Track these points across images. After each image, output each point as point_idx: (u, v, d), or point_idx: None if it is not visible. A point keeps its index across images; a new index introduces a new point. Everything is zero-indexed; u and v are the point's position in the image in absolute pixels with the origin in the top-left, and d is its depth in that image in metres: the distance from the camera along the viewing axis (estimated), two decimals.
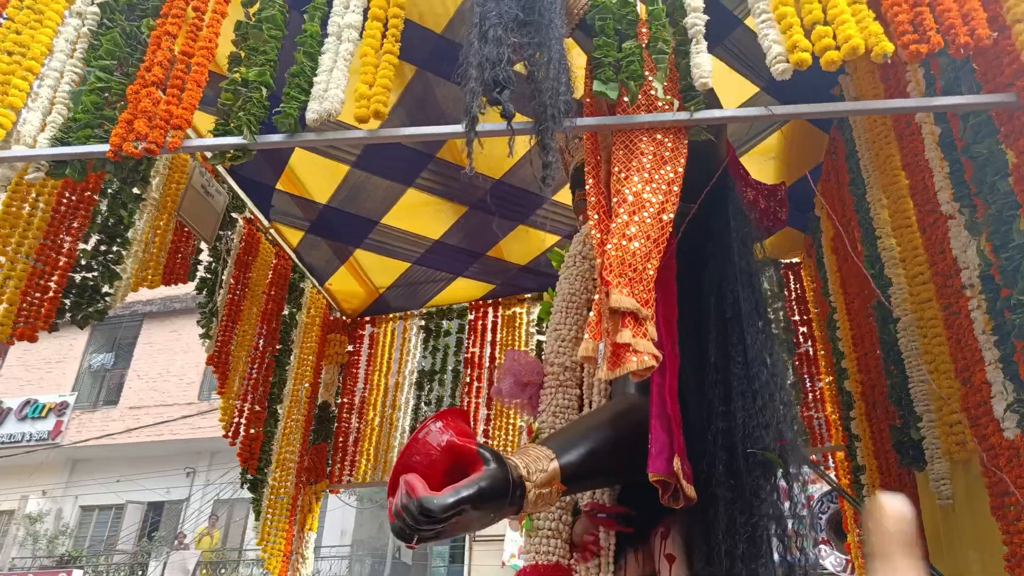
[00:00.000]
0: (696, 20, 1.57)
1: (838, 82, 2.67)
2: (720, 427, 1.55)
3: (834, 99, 2.54)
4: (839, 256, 2.98)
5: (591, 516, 1.70)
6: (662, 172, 1.50)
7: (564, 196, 3.39)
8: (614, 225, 1.45)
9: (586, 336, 1.39)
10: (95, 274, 2.58)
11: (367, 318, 4.27)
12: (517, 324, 4.02)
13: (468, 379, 3.97)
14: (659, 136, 1.56)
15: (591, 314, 1.41)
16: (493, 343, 4.01)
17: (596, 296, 1.41)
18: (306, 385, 3.80)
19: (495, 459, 1.35)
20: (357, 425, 3.98)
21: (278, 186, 3.30)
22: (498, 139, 2.98)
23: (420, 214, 3.50)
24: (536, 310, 4.07)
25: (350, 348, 4.19)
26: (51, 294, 2.22)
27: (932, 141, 1.96)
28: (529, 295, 4.11)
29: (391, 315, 4.24)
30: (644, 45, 1.60)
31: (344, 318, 4.24)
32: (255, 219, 3.51)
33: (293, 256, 3.76)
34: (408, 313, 4.24)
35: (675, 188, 1.50)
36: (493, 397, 1.96)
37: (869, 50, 1.48)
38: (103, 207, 2.65)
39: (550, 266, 3.78)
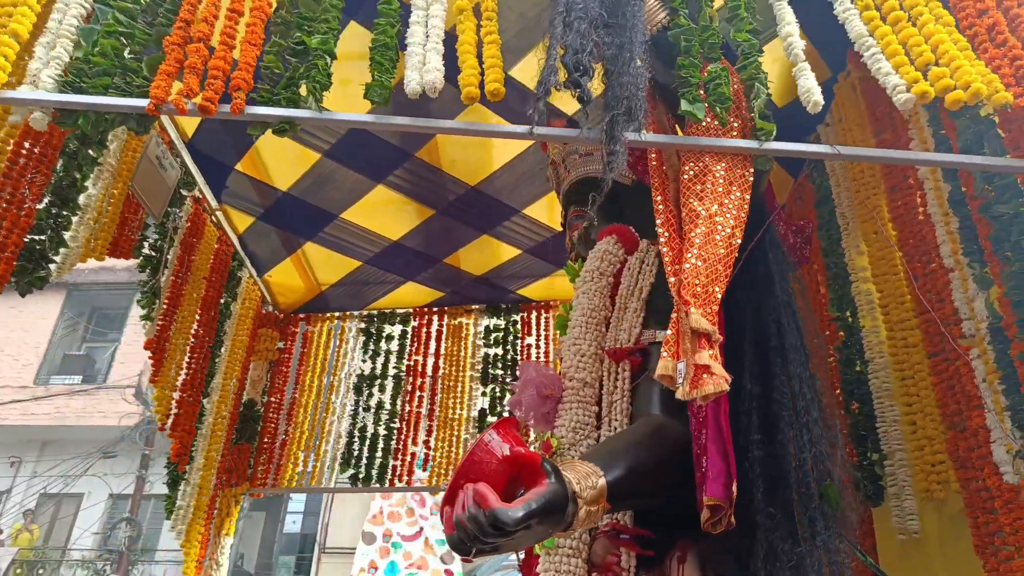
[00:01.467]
0: (793, 42, 1.59)
1: (816, 129, 2.79)
2: (758, 455, 1.56)
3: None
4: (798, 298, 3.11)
5: (612, 537, 1.67)
6: (732, 196, 1.51)
7: (535, 210, 3.37)
8: (690, 245, 1.43)
9: (664, 354, 1.37)
10: (43, 238, 2.31)
11: (301, 315, 4.07)
12: (463, 335, 3.95)
13: (410, 387, 3.85)
14: (729, 161, 1.57)
15: (668, 332, 1.39)
16: (437, 352, 3.92)
17: (673, 315, 1.39)
18: (234, 380, 3.56)
19: (555, 473, 1.31)
20: (285, 427, 3.77)
21: (238, 167, 3.10)
22: (484, 144, 2.95)
23: (383, 213, 3.38)
24: (484, 322, 4.02)
25: (281, 345, 3.97)
26: (8, 253, 1.96)
27: (936, 197, 2.08)
28: (477, 306, 4.05)
29: (329, 314, 4.06)
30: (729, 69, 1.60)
31: (277, 313, 4.02)
32: (203, 199, 3.28)
33: (236, 242, 3.54)
34: (347, 314, 4.08)
35: (743, 214, 1.52)
36: (510, 408, 1.89)
37: (984, 96, 1.53)
38: (59, 166, 2.39)
39: (502, 278, 3.77)
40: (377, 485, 3.66)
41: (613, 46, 1.53)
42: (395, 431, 3.77)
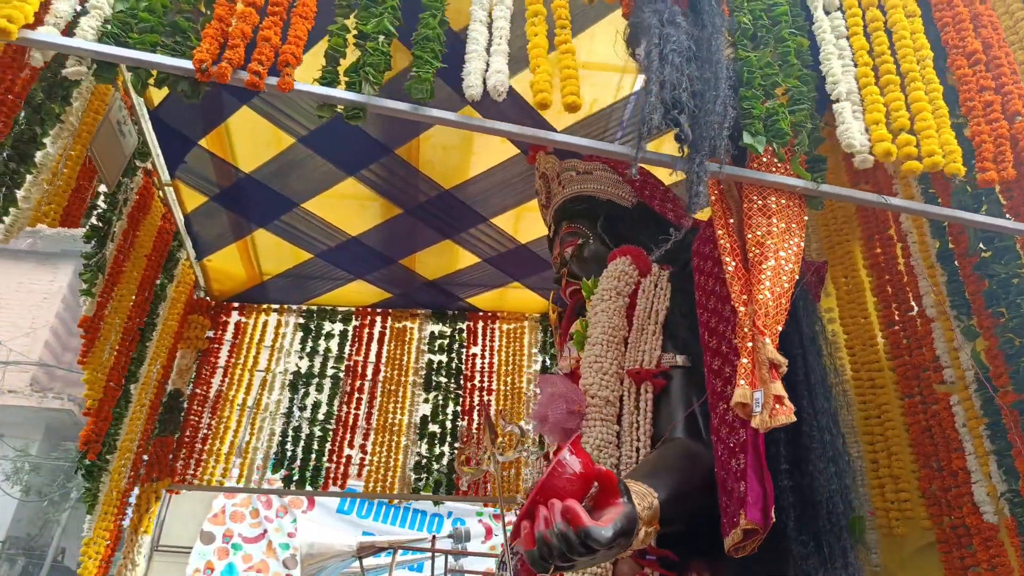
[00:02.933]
0: (841, 87, 1.64)
1: None
2: (789, 484, 1.60)
3: None
4: None
5: (637, 557, 1.67)
6: (792, 233, 1.56)
7: (503, 220, 3.35)
8: (762, 276, 1.46)
9: (741, 382, 1.38)
10: None
11: (235, 304, 3.84)
12: (407, 339, 3.86)
13: (348, 388, 3.71)
14: (788, 198, 1.61)
15: (743, 360, 1.40)
16: (379, 355, 3.80)
17: (748, 343, 1.41)
18: (158, 367, 3.31)
19: (627, 492, 1.32)
20: (209, 421, 3.53)
21: (203, 142, 2.90)
22: (465, 148, 2.91)
23: (347, 206, 3.26)
24: (429, 327, 3.94)
25: (211, 334, 3.73)
26: None
27: (921, 250, 2.21)
28: (423, 311, 3.97)
29: (265, 305, 3.86)
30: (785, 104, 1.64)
31: (209, 300, 3.78)
32: (154, 172, 3.04)
33: (180, 221, 3.30)
34: (285, 307, 3.89)
35: (800, 251, 1.56)
36: (536, 421, 1.85)
37: (940, 168, 1.64)
38: (21, 116, 2.15)
39: (454, 285, 3.72)
40: (310, 488, 3.49)
41: (700, 81, 1.53)
42: (331, 433, 3.61)
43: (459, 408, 3.78)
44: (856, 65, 1.73)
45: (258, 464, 3.50)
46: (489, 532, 7.28)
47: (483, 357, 3.86)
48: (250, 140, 2.93)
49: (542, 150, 2.79)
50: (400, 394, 3.74)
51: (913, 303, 2.24)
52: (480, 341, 3.89)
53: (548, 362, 3.96)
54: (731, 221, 1.57)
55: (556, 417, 1.78)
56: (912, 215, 2.09)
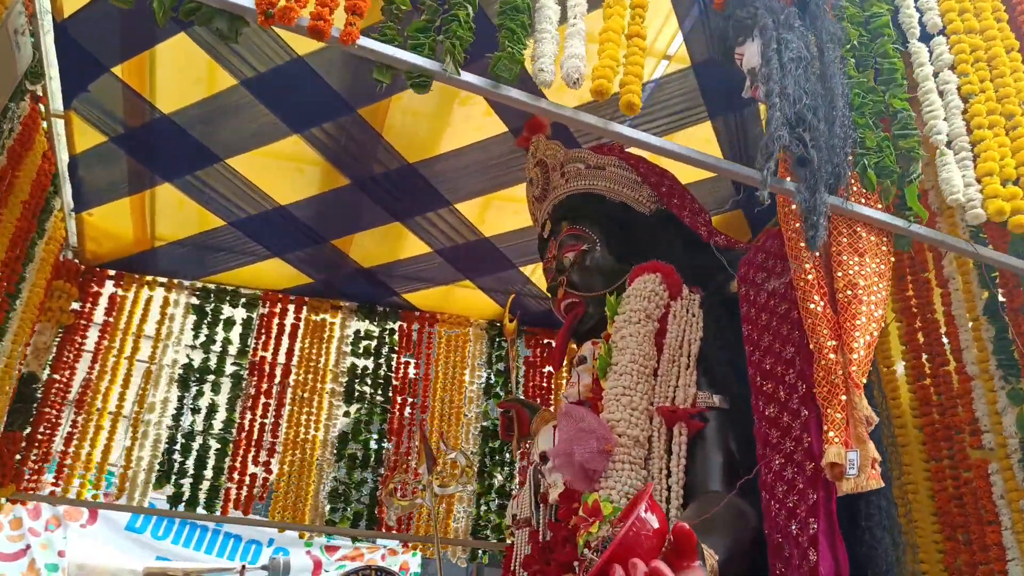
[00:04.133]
0: (941, 126, 1.78)
1: None
2: (853, 552, 1.74)
3: None
4: None
5: None
6: (881, 272, 1.69)
7: (468, 208, 3.40)
8: (855, 323, 1.58)
9: (835, 440, 1.49)
10: None
11: (111, 272, 3.69)
12: (325, 336, 3.83)
13: (253, 390, 3.65)
14: (878, 235, 1.74)
15: (837, 415, 1.51)
16: (290, 352, 3.75)
17: (842, 396, 1.52)
18: (22, 347, 3.15)
19: (701, 554, 1.42)
20: (73, 417, 3.38)
21: (117, 69, 2.79)
22: (440, 118, 2.94)
23: (282, 169, 3.22)
24: (353, 324, 3.93)
25: (76, 306, 3.57)
26: None
27: (966, 299, 2.41)
28: (347, 303, 3.94)
29: (150, 277, 3.74)
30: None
31: (77, 263, 3.62)
32: (43, 98, 2.90)
33: (62, 163, 3.16)
34: (176, 282, 3.79)
35: (887, 295, 1.70)
36: (557, 458, 1.90)
37: None
38: None
39: (392, 276, 3.74)
40: (204, 511, 3.40)
41: (817, 95, 1.63)
42: (231, 444, 3.54)
43: (386, 426, 3.78)
44: (964, 102, 1.86)
45: (142, 477, 3.38)
46: (318, 566, 7.14)
47: (417, 366, 3.88)
48: (179, 75, 2.83)
49: (540, 133, 2.84)
50: (315, 403, 3.71)
51: (950, 356, 2.43)
52: (415, 346, 3.91)
53: (492, 378, 4.02)
54: (818, 255, 1.68)
55: (584, 456, 1.84)
56: (998, 265, 2.20)
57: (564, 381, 3.90)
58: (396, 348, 3.92)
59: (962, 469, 2.28)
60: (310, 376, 3.73)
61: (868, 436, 1.48)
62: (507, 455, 3.86)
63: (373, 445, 3.74)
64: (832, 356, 1.57)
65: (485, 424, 3.94)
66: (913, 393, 2.52)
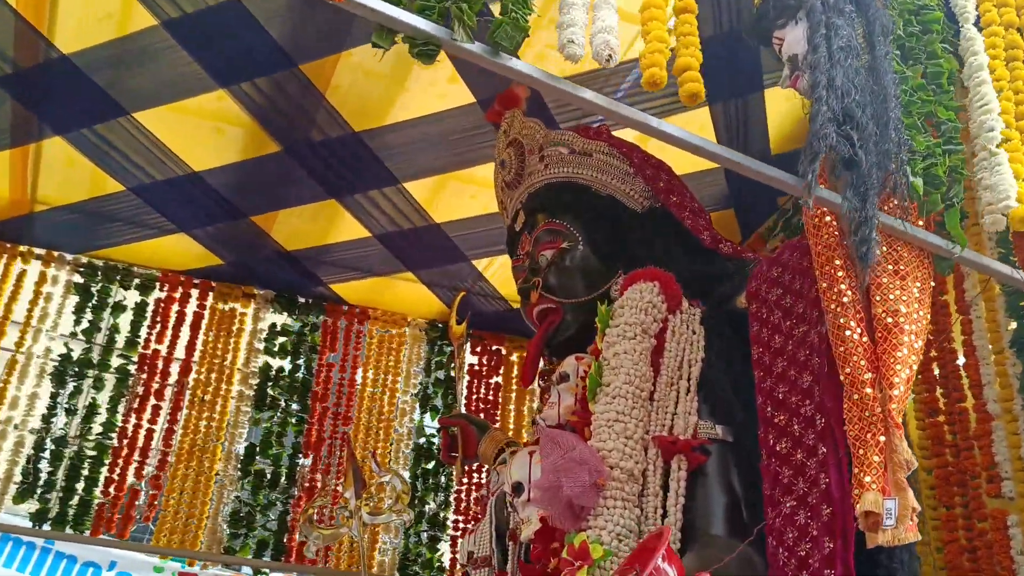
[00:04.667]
0: (995, 124, 1.87)
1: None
2: None
3: None
4: None
5: None
6: (923, 300, 1.78)
7: (418, 188, 3.43)
8: (895, 354, 1.66)
9: (872, 485, 1.57)
10: None
11: None
12: (234, 329, 3.81)
13: (141, 388, 3.60)
14: (919, 255, 1.83)
15: (874, 458, 1.59)
16: (191, 346, 3.72)
17: (880, 436, 1.61)
18: None
19: None
20: None
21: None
22: (395, 82, 2.96)
23: (201, 129, 3.21)
24: (269, 316, 3.92)
25: None
26: None
27: (990, 330, 2.54)
28: (262, 291, 3.93)
29: (24, 247, 3.67)
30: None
31: None
32: None
33: None
34: (54, 254, 3.72)
35: (927, 324, 1.79)
36: (540, 491, 1.94)
37: None
38: None
39: (319, 262, 3.76)
40: (72, 531, 3.35)
41: (867, 91, 1.70)
42: (110, 452, 3.49)
43: (303, 439, 3.76)
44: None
45: None
46: None
47: (343, 370, 3.88)
48: (85, 8, 2.80)
49: (516, 107, 2.87)
50: (218, 409, 3.68)
51: (969, 392, 2.55)
52: (341, 347, 3.90)
53: (431, 388, 4.05)
54: (853, 275, 1.76)
55: (573, 490, 1.88)
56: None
57: (537, 399, 3.96)
58: (318, 347, 3.90)
59: (976, 519, 2.40)
60: (213, 376, 3.71)
61: (907, 483, 1.56)
62: (443, 479, 3.89)
63: (285, 461, 3.71)
64: (869, 391, 1.64)
65: (419, 441, 3.96)
66: (923, 431, 2.64)
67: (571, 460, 1.94)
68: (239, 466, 3.67)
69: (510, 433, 3.79)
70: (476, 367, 4.10)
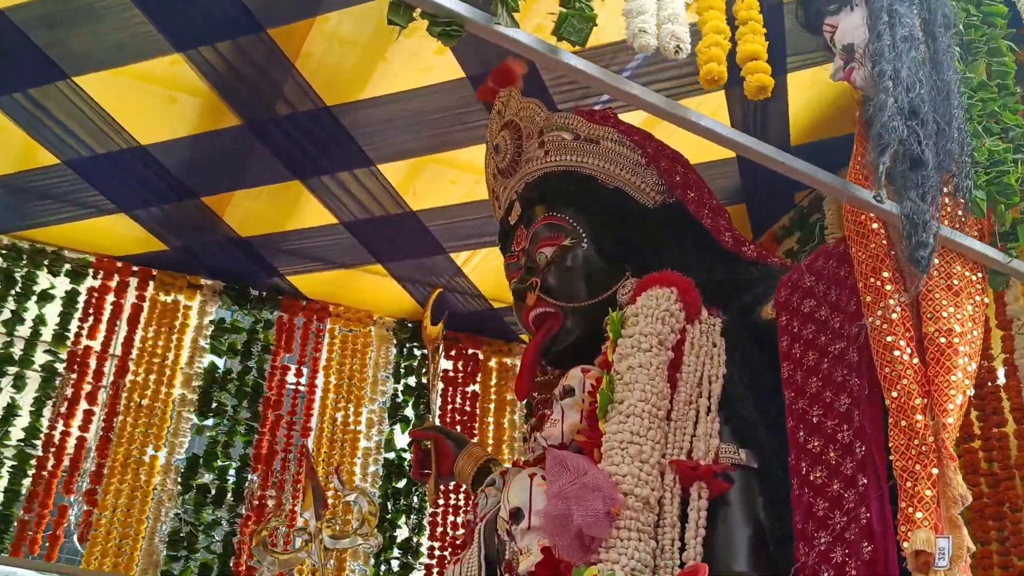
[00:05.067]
0: None
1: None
2: None
3: None
4: None
5: None
6: (976, 318, 1.84)
7: (393, 171, 3.46)
8: (950, 380, 1.72)
9: (924, 522, 1.62)
10: None
11: None
12: (177, 324, 3.81)
13: (71, 390, 3.60)
14: (971, 268, 1.89)
15: (927, 492, 1.64)
16: (128, 342, 3.72)
17: (932, 469, 1.65)
18: None
19: None
20: None
21: None
22: (373, 53, 2.98)
23: (150, 97, 3.21)
24: (216, 310, 3.92)
25: None
26: None
27: None
28: (210, 280, 3.95)
29: None
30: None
31: None
32: None
33: None
34: None
35: (981, 344, 1.85)
36: (548, 520, 1.96)
37: None
38: None
39: (275, 251, 3.78)
40: None
41: (932, 87, 1.75)
42: (32, 463, 3.47)
43: (253, 451, 3.77)
44: None
45: None
46: None
47: (299, 373, 3.89)
48: None
49: (512, 85, 2.89)
50: (157, 414, 3.67)
51: (1009, 416, 2.62)
52: (297, 346, 3.91)
53: (400, 396, 4.07)
54: (903, 288, 1.80)
55: (585, 520, 1.90)
56: None
57: (521, 412, 3.99)
58: (271, 346, 3.91)
59: (1015, 556, 2.46)
60: (152, 377, 3.70)
61: (962, 520, 1.60)
62: (416, 500, 3.91)
63: (232, 476, 3.70)
64: (919, 418, 1.68)
65: (388, 456, 3.97)
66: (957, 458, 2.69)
67: (583, 486, 1.95)
68: (179, 480, 3.65)
69: (489, 449, 3.81)
70: (451, 373, 4.13)
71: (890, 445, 1.75)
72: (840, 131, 3.15)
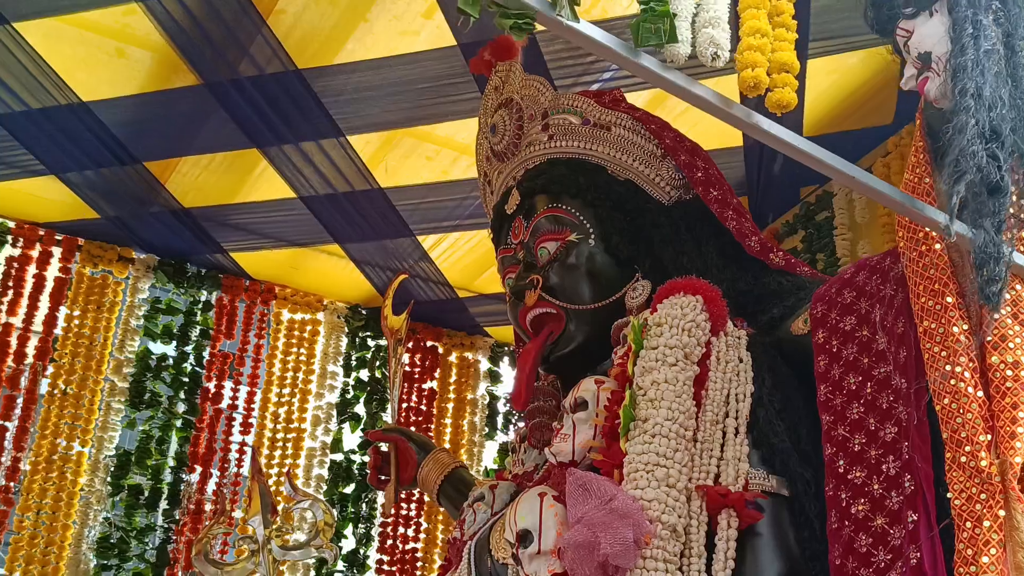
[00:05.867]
0: None
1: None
2: None
3: None
4: None
5: None
6: None
7: (363, 143, 3.49)
8: (1018, 414, 1.80)
9: (990, 568, 1.70)
10: None
11: None
12: (107, 301, 3.78)
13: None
14: None
15: (993, 536, 1.72)
16: (50, 321, 3.69)
17: (999, 511, 1.74)
18: None
19: None
20: None
21: None
22: (353, 16, 3.00)
23: (97, 49, 3.19)
24: (150, 288, 3.90)
25: None
26: None
27: None
28: (144, 255, 3.93)
29: None
30: None
31: None
32: None
33: None
34: None
35: None
36: (572, 549, 1.99)
37: None
38: None
39: (221, 225, 3.82)
40: None
41: (1011, 104, 1.82)
42: None
43: (189, 448, 3.78)
44: None
45: None
46: None
47: (241, 362, 3.89)
48: None
49: (511, 59, 2.89)
50: (84, 404, 3.65)
51: None
52: (239, 332, 3.92)
53: (352, 391, 4.09)
54: (967, 312, 1.88)
55: (613, 549, 1.95)
56: None
57: (482, 412, 4.02)
58: (211, 330, 3.91)
59: None
60: (79, 361, 3.66)
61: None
62: (364, 507, 3.94)
63: (168, 475, 3.70)
64: (984, 455, 1.76)
65: (335, 458, 3.99)
66: None
67: (610, 512, 1.98)
68: (110, 477, 3.64)
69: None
70: (407, 368, 4.15)
71: (947, 482, 1.81)
72: (856, 124, 3.25)
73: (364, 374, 4.17)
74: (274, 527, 3.10)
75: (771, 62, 1.73)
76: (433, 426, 4.10)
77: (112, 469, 3.68)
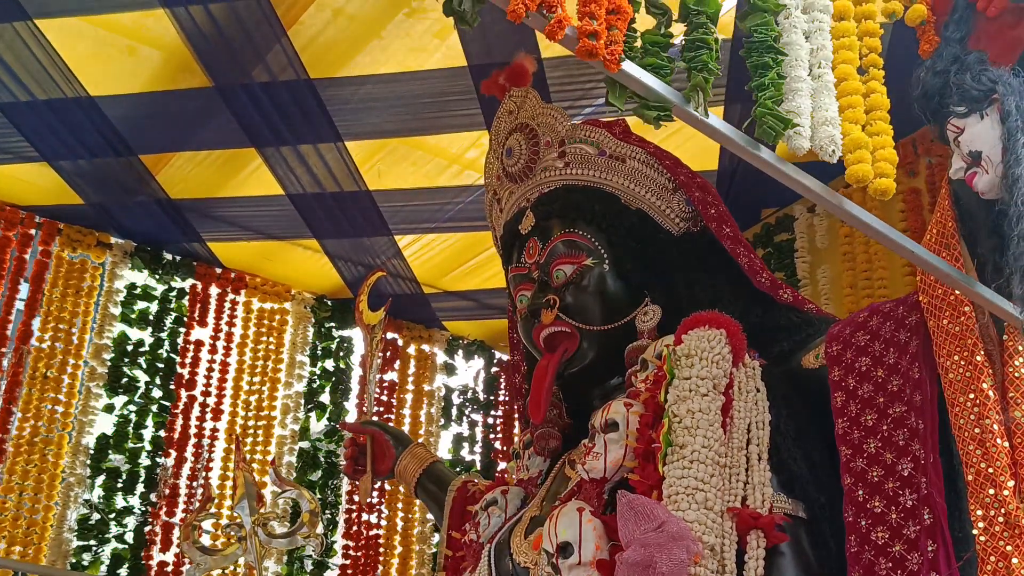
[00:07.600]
0: None
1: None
2: None
3: None
4: None
5: None
6: None
7: (359, 150, 3.58)
8: None
9: None
10: None
11: None
12: (83, 286, 3.79)
13: None
14: None
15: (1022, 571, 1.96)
16: (31, 304, 3.70)
17: None
18: None
19: None
20: None
21: None
22: (369, 31, 3.11)
23: (111, 47, 3.23)
24: (127, 273, 3.94)
25: None
26: None
27: None
28: (122, 240, 3.98)
29: None
30: None
31: None
32: None
33: None
34: None
35: None
36: (630, 567, 2.16)
37: None
38: None
39: (205, 215, 3.90)
40: None
41: None
42: None
43: (166, 432, 3.84)
44: None
45: None
46: None
47: (213, 349, 3.95)
48: None
49: (525, 83, 2.99)
50: (64, 388, 3.67)
51: None
52: (212, 319, 3.98)
53: (317, 380, 4.17)
54: (997, 367, 2.10)
55: (669, 569, 2.14)
56: None
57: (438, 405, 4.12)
58: (185, 317, 3.96)
59: None
60: (59, 345, 3.68)
61: None
62: (330, 493, 4.03)
63: (145, 459, 3.76)
64: (1006, 496, 1.97)
65: (303, 446, 4.09)
66: None
67: (666, 535, 2.16)
68: (90, 461, 3.68)
69: None
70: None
71: (972, 520, 2.01)
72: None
73: (330, 364, 4.23)
74: (260, 515, 3.14)
75: (875, 158, 1.89)
76: (393, 416, 4.19)
77: (92, 452, 3.69)
